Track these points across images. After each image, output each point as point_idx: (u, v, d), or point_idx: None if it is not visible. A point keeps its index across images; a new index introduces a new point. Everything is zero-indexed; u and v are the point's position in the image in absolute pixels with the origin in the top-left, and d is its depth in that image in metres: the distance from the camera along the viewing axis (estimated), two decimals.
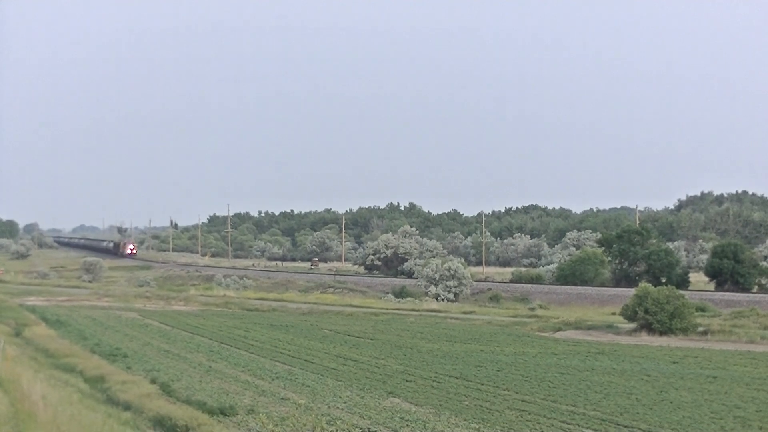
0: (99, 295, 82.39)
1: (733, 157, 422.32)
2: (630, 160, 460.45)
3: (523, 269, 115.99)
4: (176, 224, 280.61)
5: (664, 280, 77.69)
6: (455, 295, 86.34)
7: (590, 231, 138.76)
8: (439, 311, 69.27)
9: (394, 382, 31.96)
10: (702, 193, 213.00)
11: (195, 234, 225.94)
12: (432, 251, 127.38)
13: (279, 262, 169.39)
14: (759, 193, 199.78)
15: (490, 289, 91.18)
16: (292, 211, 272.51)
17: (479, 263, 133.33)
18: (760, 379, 33.19)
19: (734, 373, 35.07)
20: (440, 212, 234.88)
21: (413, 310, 70.17)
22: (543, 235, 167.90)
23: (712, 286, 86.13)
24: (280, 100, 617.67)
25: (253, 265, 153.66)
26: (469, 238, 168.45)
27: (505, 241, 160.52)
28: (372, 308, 71.30)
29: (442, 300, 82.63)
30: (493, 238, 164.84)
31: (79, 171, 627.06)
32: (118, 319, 58.60)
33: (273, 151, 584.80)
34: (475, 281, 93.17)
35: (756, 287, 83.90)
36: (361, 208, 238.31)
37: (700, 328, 50.95)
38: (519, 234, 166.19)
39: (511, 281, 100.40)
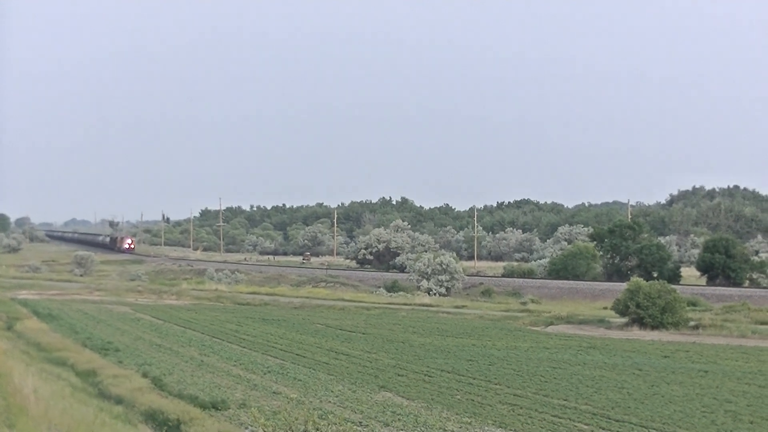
0: (91, 289, 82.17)
1: (725, 152, 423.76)
2: (622, 154, 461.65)
3: (515, 264, 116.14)
4: (168, 218, 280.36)
5: (655, 275, 77.80)
6: (447, 289, 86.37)
7: (582, 225, 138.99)
8: (431, 305, 69.31)
9: (385, 376, 31.97)
10: (694, 188, 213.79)
11: (187, 228, 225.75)
12: (424, 245, 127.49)
13: (271, 257, 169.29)
14: (751, 188, 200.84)
15: (482, 284, 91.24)
16: (284, 205, 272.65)
17: (471, 257, 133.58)
18: (751, 374, 33.29)
19: (725, 367, 35.17)
20: (432, 207, 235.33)
21: (405, 304, 70.22)
22: (535, 230, 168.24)
23: (703, 280, 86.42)
24: (272, 95, 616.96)
25: (245, 259, 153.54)
26: (461, 233, 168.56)
27: (497, 235, 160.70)
28: (364, 302, 71.25)
29: (434, 294, 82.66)
30: (485, 233, 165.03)
31: (71, 165, 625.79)
32: (110, 313, 58.46)
33: (265, 146, 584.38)
34: (467, 276, 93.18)
35: (747, 282, 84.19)
36: (353, 203, 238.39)
37: (692, 323, 51.08)
38: (511, 228, 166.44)
39: (503, 276, 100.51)
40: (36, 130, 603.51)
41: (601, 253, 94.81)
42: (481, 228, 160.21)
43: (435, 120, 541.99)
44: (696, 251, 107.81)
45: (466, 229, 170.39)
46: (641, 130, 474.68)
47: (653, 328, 49.94)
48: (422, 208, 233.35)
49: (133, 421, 21.57)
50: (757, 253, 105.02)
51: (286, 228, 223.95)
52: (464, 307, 68.40)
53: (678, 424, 23.88)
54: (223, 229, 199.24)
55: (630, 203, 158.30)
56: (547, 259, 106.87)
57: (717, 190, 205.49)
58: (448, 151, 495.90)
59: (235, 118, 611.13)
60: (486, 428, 23.14)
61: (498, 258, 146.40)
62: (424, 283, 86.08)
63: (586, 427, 23.49)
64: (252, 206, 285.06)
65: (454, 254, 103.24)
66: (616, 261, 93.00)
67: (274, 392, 27.96)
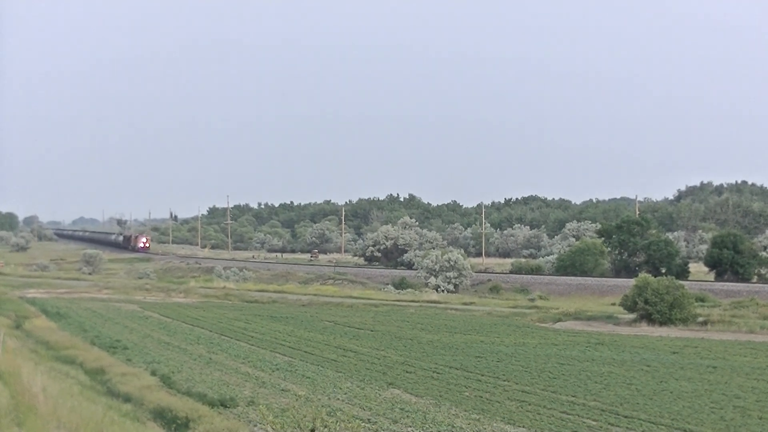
0: (99, 287, 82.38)
1: (733, 147, 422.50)
2: (629, 150, 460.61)
3: (523, 260, 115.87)
4: (176, 216, 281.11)
5: (663, 271, 77.68)
6: (455, 286, 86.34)
7: (590, 221, 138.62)
8: (439, 302, 69.28)
9: (394, 373, 31.99)
10: (701, 184, 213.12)
11: (195, 226, 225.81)
12: (432, 242, 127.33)
13: (279, 254, 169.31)
14: (758, 183, 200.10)
15: (489, 280, 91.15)
16: (291, 202, 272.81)
17: (479, 254, 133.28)
18: (759, 369, 33.22)
19: (734, 363, 35.09)
20: (440, 203, 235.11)
21: (413, 301, 70.18)
22: (543, 226, 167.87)
23: (711, 276, 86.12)
24: (280, 93, 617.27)
25: (253, 257, 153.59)
26: (469, 229, 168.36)
27: (505, 232, 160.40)
28: (372, 299, 71.25)
29: (442, 291, 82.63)
30: (492, 229, 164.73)
31: (79, 164, 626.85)
32: (118, 311, 58.60)
33: (273, 143, 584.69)
34: (475, 272, 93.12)
35: (755, 277, 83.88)
36: (360, 200, 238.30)
37: (700, 319, 50.95)
38: (519, 225, 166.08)
39: (511, 272, 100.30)
40: (43, 129, 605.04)
41: (609, 249, 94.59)
42: (488, 224, 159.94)
43: (442, 117, 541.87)
44: (704, 247, 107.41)
45: (473, 225, 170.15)
46: (648, 126, 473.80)
47: (661, 324, 49.84)
48: (430, 204, 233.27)
49: (142, 419, 21.61)
50: (765, 248, 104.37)
51: (293, 225, 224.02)
52: (472, 303, 68.39)
53: (687, 420, 23.84)
54: (231, 226, 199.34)
55: (638, 199, 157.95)
56: (555, 256, 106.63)
57: (725, 185, 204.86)
58: (455, 148, 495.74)
59: (243, 116, 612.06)
60: (494, 425, 23.13)
61: (506, 254, 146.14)
62: (432, 280, 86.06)
63: (594, 423, 23.47)
64: (260, 204, 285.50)
65: (462, 251, 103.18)
66: (624, 257, 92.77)
67: (282, 390, 27.99)
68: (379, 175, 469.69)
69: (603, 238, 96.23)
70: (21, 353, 28.76)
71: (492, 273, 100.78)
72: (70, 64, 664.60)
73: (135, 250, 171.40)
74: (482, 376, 31.41)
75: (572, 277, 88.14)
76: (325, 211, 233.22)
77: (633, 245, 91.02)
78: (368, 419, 23.31)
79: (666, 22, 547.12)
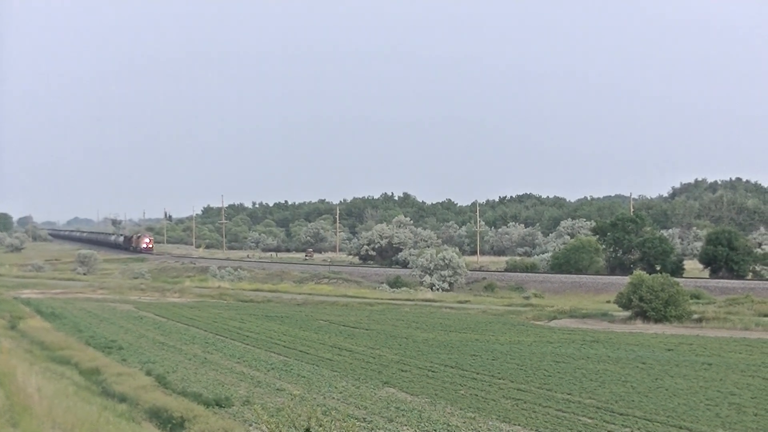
0: (94, 288, 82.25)
1: (727, 144, 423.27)
2: (624, 148, 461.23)
3: (518, 258, 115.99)
4: (170, 216, 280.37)
5: (658, 268, 77.73)
6: (450, 284, 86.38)
7: (584, 219, 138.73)
8: (434, 301, 69.28)
9: (389, 372, 31.99)
10: (696, 181, 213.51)
11: (189, 225, 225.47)
12: (426, 241, 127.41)
13: (273, 253, 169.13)
14: (753, 180, 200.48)
15: (484, 279, 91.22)
16: (286, 201, 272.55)
17: (474, 252, 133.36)
18: (755, 366, 33.27)
19: (729, 360, 35.15)
20: (434, 202, 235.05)
21: (408, 299, 70.15)
22: (537, 224, 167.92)
23: (706, 273, 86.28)
24: (274, 91, 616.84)
25: (248, 256, 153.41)
26: (464, 228, 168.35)
27: (500, 230, 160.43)
28: (367, 298, 71.25)
29: (437, 289, 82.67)
30: (487, 227, 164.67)
31: (73, 163, 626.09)
32: (113, 311, 58.53)
33: (267, 142, 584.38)
34: (470, 270, 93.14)
35: (750, 274, 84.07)
36: (355, 199, 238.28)
37: (695, 316, 51.01)
38: (513, 223, 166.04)
39: (506, 270, 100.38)
40: (38, 129, 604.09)
41: (603, 246, 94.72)
42: (483, 223, 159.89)
43: (436, 115, 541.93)
44: (699, 244, 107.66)
45: (468, 224, 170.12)
46: (643, 123, 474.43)
47: (656, 321, 49.91)
48: (424, 203, 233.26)
49: (137, 419, 21.58)
50: (760, 245, 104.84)
51: (288, 225, 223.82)
52: (467, 302, 68.40)
53: (682, 417, 23.87)
54: (225, 226, 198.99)
55: (632, 196, 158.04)
56: (550, 254, 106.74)
57: (719, 182, 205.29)
58: (449, 146, 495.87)
59: (237, 116, 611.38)
60: (490, 423, 23.13)
61: (501, 253, 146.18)
62: (427, 279, 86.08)
63: (590, 420, 23.49)
64: (254, 203, 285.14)
65: (457, 249, 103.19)
66: (618, 254, 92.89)
67: (277, 389, 27.98)
68: (374, 173, 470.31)
69: (598, 236, 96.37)
70: (16, 354, 28.71)
71: (487, 271, 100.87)
72: (67, 66, 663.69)
73: (138, 250, 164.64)
74: (477, 374, 31.43)
75: (567, 275, 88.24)
76: (319, 210, 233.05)
77: (628, 243, 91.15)
78: (364, 418, 23.31)
79: (661, 22, 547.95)
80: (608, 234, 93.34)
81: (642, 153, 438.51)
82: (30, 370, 22.47)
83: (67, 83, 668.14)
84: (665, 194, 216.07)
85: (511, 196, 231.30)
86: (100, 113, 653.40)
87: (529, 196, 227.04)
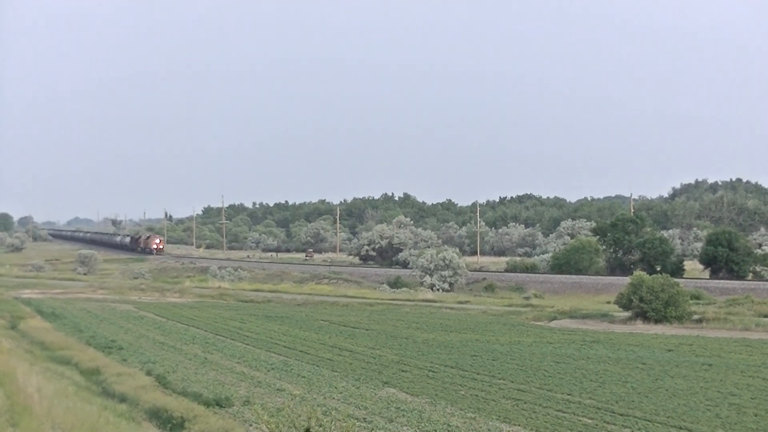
0: (94, 288, 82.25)
1: (728, 144, 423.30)
2: (624, 148, 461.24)
3: (518, 258, 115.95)
4: (171, 216, 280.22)
5: (658, 269, 77.78)
6: (450, 284, 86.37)
7: (585, 220, 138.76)
8: (434, 301, 69.27)
9: (389, 372, 31.98)
10: (696, 181, 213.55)
11: (189, 226, 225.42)
12: (426, 241, 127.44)
13: (274, 254, 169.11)
14: (753, 181, 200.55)
15: (485, 279, 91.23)
16: (286, 202, 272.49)
17: (474, 253, 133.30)
18: (755, 367, 33.26)
19: (729, 360, 35.14)
20: (434, 202, 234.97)
21: (408, 300, 70.15)
22: (537, 225, 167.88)
23: (706, 274, 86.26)
24: (274, 92, 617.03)
25: (248, 256, 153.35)
26: (464, 228, 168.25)
27: (500, 230, 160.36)
28: (367, 299, 71.24)
29: (437, 290, 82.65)
30: (487, 228, 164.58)
31: (73, 163, 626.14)
32: (113, 311, 58.53)
33: (267, 143, 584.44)
34: (470, 271, 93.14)
35: (750, 275, 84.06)
36: (355, 199, 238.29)
37: (695, 316, 51.00)
38: (513, 223, 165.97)
39: (506, 271, 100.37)
40: (37, 129, 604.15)
41: (603, 247, 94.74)
42: (483, 223, 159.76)
43: (436, 115, 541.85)
44: (699, 244, 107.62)
45: (468, 224, 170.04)
46: (643, 123, 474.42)
47: (657, 321, 49.90)
48: (424, 203, 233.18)
49: (137, 419, 21.59)
50: (760, 245, 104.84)
51: (288, 225, 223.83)
52: (467, 302, 68.40)
53: (682, 417, 23.86)
54: (225, 226, 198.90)
55: (632, 197, 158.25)
56: (550, 254, 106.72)
57: (719, 183, 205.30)
58: (450, 146, 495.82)
59: (238, 117, 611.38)
60: (490, 423, 23.12)
61: (501, 253, 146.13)
62: (427, 279, 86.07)
63: (590, 421, 23.48)
64: (254, 203, 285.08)
65: (457, 250, 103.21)
66: (619, 255, 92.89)
67: (277, 389, 27.97)
68: (374, 174, 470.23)
69: (598, 237, 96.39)
70: (16, 354, 28.73)
71: (487, 272, 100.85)
72: (69, 69, 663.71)
73: (148, 251, 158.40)
74: (478, 374, 31.42)
75: (567, 276, 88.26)
76: (319, 211, 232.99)
77: (628, 243, 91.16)
78: (364, 418, 23.30)
79: (664, 22, 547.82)
80: (608, 234, 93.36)
81: (642, 153, 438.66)
82: (30, 370, 22.47)
83: (68, 85, 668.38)
84: (665, 195, 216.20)
85: (511, 197, 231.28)
86: (100, 114, 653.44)
87: (529, 197, 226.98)
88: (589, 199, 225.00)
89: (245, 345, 40.33)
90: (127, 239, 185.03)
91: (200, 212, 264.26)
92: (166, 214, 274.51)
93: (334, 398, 26.38)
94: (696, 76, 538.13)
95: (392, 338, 43.30)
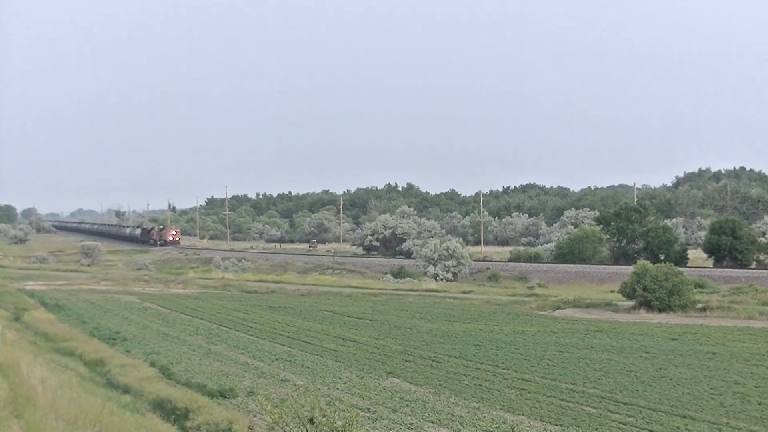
0: (98, 279, 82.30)
1: (731, 133, 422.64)
2: (627, 137, 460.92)
3: (522, 248, 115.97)
4: (174, 207, 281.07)
5: (662, 257, 77.63)
6: (454, 274, 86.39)
7: (588, 209, 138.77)
8: (438, 291, 69.24)
9: (393, 362, 31.98)
10: (700, 170, 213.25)
11: (193, 217, 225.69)
12: (430, 231, 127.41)
13: (277, 244, 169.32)
14: (757, 169, 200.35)
15: (488, 269, 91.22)
16: (290, 192, 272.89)
17: (477, 243, 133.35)
18: (759, 355, 33.21)
19: (733, 349, 35.08)
20: (438, 192, 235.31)
21: (412, 290, 70.12)
22: (541, 214, 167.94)
23: (710, 262, 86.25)
24: (277, 83, 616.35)
25: (252, 247, 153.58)
26: (467, 218, 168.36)
27: (504, 220, 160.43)
28: (370, 289, 71.23)
29: (441, 280, 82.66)
30: (491, 218, 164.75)
31: (76, 155, 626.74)
32: (117, 302, 58.56)
33: (271, 133, 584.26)
34: (474, 261, 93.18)
35: (754, 263, 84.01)
36: (359, 189, 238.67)
37: (699, 305, 50.89)
38: (517, 213, 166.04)
39: (510, 260, 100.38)
40: (41, 122, 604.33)
41: (607, 236, 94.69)
42: (487, 213, 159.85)
43: (440, 106, 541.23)
44: (702, 233, 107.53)
45: (472, 214, 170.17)
46: (647, 112, 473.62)
47: (660, 310, 49.82)
48: (428, 193, 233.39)
49: (141, 410, 21.59)
50: (763, 234, 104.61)
51: (292, 215, 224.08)
52: (471, 292, 68.36)
53: (686, 406, 23.84)
54: (229, 217, 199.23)
55: (636, 186, 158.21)
56: (554, 243, 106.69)
57: (723, 171, 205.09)
58: (453, 136, 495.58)
59: (241, 107, 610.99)
60: (494, 413, 23.12)
61: (504, 243, 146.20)
62: (431, 269, 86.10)
63: (594, 410, 23.47)
64: (258, 194, 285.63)
65: (461, 239, 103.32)
66: (622, 244, 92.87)
67: (281, 380, 27.99)
68: (377, 164, 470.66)
69: (601, 226, 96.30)
70: (20, 345, 28.73)
71: (491, 261, 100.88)
72: (70, 59, 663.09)
73: (163, 243, 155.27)
74: (481, 364, 31.40)
75: (571, 265, 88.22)
76: (323, 201, 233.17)
77: (631, 232, 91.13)
78: (368, 408, 23.31)
79: (668, 15, 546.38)
80: (612, 224, 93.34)
81: (645, 142, 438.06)
82: (34, 362, 22.48)
83: (70, 76, 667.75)
84: (669, 184, 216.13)
85: (514, 186, 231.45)
86: (104, 106, 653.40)
87: (532, 186, 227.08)
88: (592, 188, 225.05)
89: (249, 336, 40.34)
90: (138, 231, 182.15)
91: (203, 203, 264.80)
92: (169, 205, 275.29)
93: (337, 388, 26.39)
94: (699, 64, 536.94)
95: (396, 328, 43.30)
